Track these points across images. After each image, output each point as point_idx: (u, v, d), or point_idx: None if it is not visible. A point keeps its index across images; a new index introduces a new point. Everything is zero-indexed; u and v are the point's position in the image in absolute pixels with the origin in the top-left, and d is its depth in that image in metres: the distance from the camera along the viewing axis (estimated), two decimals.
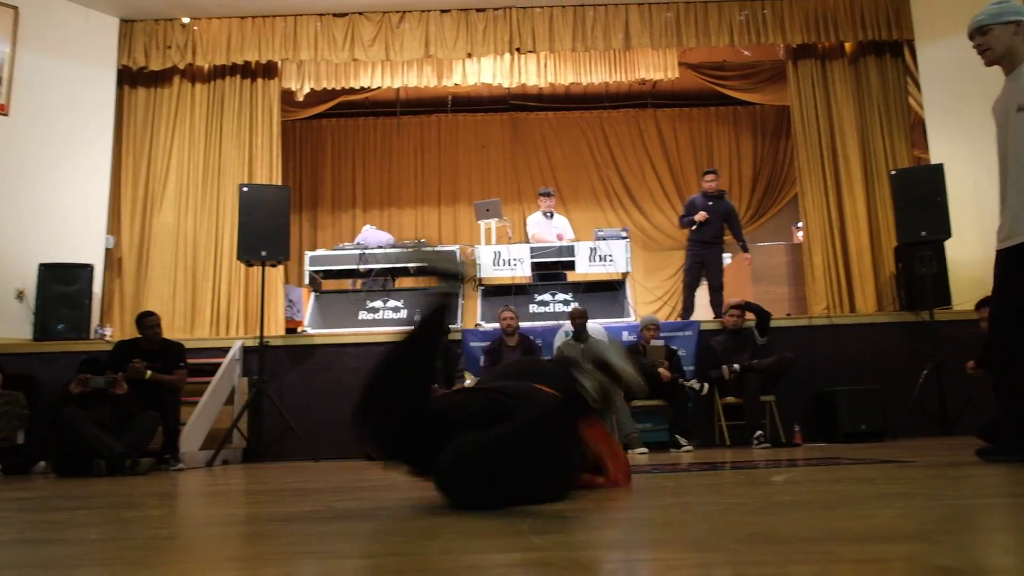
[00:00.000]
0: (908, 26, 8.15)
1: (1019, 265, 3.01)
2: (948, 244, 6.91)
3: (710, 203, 7.48)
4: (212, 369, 6.45)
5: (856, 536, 1.32)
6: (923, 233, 6.52)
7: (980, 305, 5.16)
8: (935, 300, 6.71)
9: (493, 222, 8.03)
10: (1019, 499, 1.85)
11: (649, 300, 10.53)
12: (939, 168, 6.69)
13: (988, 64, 3.16)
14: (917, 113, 8.47)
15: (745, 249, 7.83)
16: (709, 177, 7.65)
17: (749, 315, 6.58)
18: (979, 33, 3.11)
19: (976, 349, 5.35)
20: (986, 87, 7.23)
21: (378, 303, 7.45)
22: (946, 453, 4.02)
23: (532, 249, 7.55)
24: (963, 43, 6.85)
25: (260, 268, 6.71)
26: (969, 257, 7.32)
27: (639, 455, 5.47)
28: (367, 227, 8.98)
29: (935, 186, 6.55)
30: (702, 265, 7.52)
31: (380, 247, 7.82)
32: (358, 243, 8.06)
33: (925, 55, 8.00)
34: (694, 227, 7.47)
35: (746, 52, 9.52)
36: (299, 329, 7.62)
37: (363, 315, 7.39)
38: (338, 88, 9.32)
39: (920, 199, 6.55)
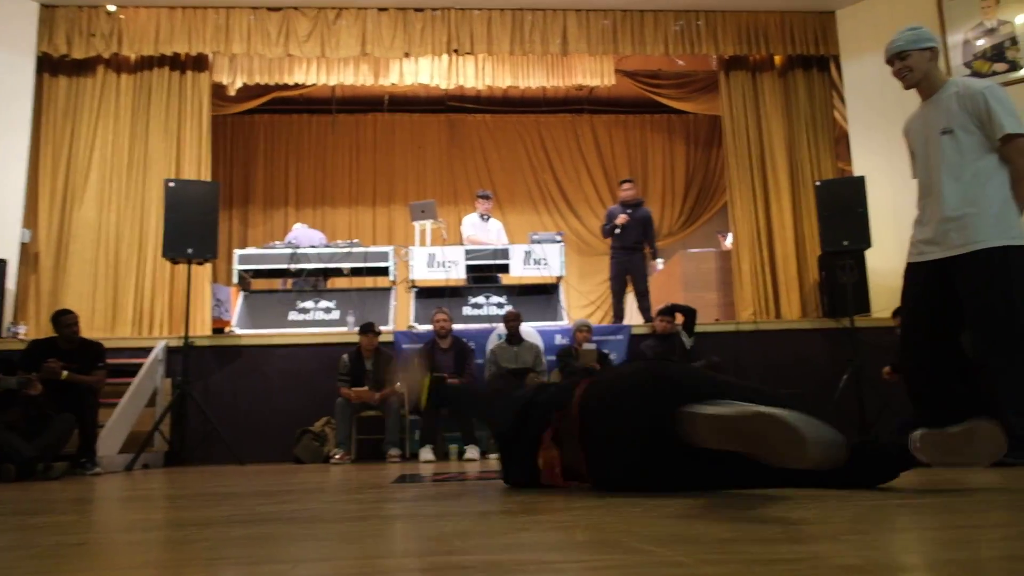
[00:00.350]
0: (834, 42, 8.44)
1: (941, 277, 3.15)
2: (868, 254, 7.17)
3: (628, 211, 7.68)
4: (134, 370, 6.25)
5: (768, 537, 1.35)
6: (845, 243, 6.74)
7: (897, 312, 5.39)
8: (855, 307, 6.96)
9: (428, 223, 7.99)
10: (925, 499, 1.92)
11: (583, 304, 10.64)
12: (861, 180, 6.93)
13: (908, 87, 3.33)
14: (842, 127, 8.78)
15: (655, 256, 8.03)
16: (626, 186, 7.89)
17: (679, 316, 6.71)
18: (899, 58, 3.27)
19: (892, 356, 5.57)
20: (905, 105, 7.52)
21: (309, 303, 7.33)
22: None
23: (467, 251, 7.54)
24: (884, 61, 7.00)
25: (186, 266, 6.53)
26: (887, 267, 7.61)
27: None
28: (298, 225, 8.84)
29: (857, 198, 6.79)
30: (627, 272, 7.71)
31: (312, 246, 7.70)
32: (289, 242, 7.93)
33: (850, 71, 8.29)
34: (617, 231, 7.64)
35: (680, 62, 9.71)
36: (227, 329, 7.44)
37: (293, 315, 7.26)
38: (271, 83, 9.13)
39: (843, 210, 6.78)
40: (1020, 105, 7.22)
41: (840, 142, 8.88)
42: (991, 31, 7.19)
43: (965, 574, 1.00)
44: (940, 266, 3.18)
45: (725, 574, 1.05)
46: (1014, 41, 7.07)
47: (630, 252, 7.72)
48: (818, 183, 7.22)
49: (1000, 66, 7.09)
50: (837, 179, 7.92)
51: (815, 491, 2.19)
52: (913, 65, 3.25)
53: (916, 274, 3.30)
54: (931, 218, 3.25)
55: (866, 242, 6.76)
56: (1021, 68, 6.97)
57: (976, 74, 7.20)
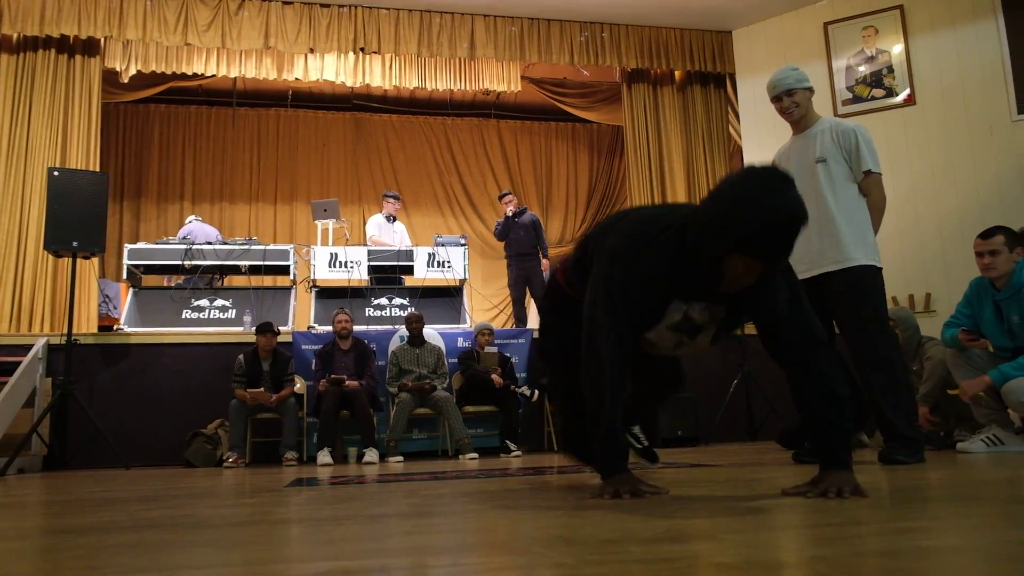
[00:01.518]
0: (731, 61, 8.80)
1: (818, 295, 3.42)
2: None
3: (516, 220, 7.94)
4: (10, 368, 5.87)
5: (651, 537, 1.41)
6: None
7: None
8: None
9: (331, 223, 7.87)
10: (801, 499, 2.03)
11: (486, 307, 10.69)
12: None
13: (792, 121, 3.66)
14: (736, 142, 9.15)
15: (546, 256, 8.23)
16: (506, 199, 8.23)
17: None
18: (787, 95, 3.58)
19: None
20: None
21: (204, 302, 7.08)
22: (749, 457, 4.36)
23: (370, 252, 7.46)
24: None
25: (70, 259, 6.20)
26: None
27: (469, 460, 5.53)
28: (192, 218, 8.55)
29: None
30: (526, 279, 7.89)
31: (208, 242, 7.45)
32: (183, 237, 7.65)
33: (744, 89, 8.66)
34: (509, 232, 7.94)
35: (585, 72, 9.92)
36: (115, 327, 7.10)
37: (187, 314, 7.00)
38: (168, 72, 8.77)
39: None
40: (900, 126, 7.72)
41: (734, 156, 9.27)
42: (871, 59, 7.67)
43: (831, 570, 1.08)
44: (815, 283, 3.45)
45: (606, 574, 1.09)
46: (891, 69, 7.56)
47: (526, 258, 7.96)
48: None
49: (878, 91, 7.56)
50: None
51: (703, 490, 2.28)
52: (799, 101, 3.56)
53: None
54: (807, 239, 3.46)
55: None
56: (897, 95, 7.46)
57: (857, 98, 7.65)
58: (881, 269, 3.46)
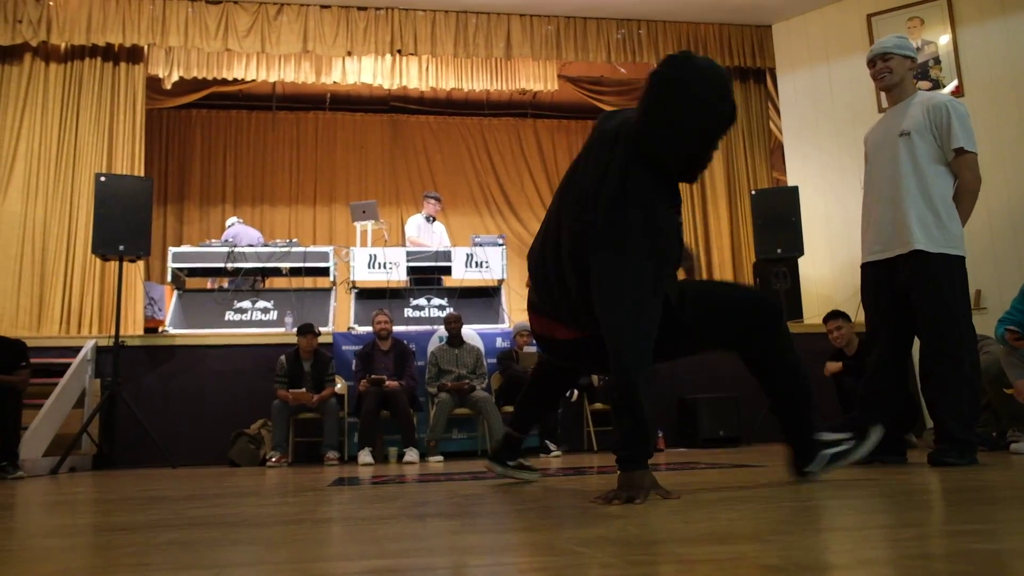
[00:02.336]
0: (771, 55, 8.68)
1: (888, 279, 3.28)
2: (801, 261, 7.38)
3: None
4: (61, 370, 6.03)
5: (695, 537, 1.39)
6: (779, 250, 6.93)
7: (828, 318, 5.56)
8: (788, 314, 7.15)
9: (369, 224, 7.93)
10: (847, 500, 1.99)
11: (524, 307, 10.65)
12: (795, 190, 7.14)
13: (882, 88, 3.45)
14: (777, 137, 9.03)
15: None
16: None
17: None
18: (882, 59, 3.38)
19: (823, 361, 5.75)
20: (835, 119, 7.83)
21: (246, 303, 7.19)
22: None
23: (408, 253, 7.50)
24: (818, 75, 7.42)
25: (117, 263, 6.34)
26: (818, 274, 7.86)
27: None
28: (234, 219, 8.66)
29: (791, 207, 6.98)
30: None
31: (250, 245, 7.56)
32: (226, 239, 7.77)
33: (785, 84, 8.53)
34: None
35: (622, 69, 9.86)
36: (160, 329, 7.24)
37: (230, 315, 7.11)
38: (210, 78, 8.94)
39: (777, 218, 6.97)
40: None
41: (775, 152, 9.14)
42: (917, 50, 7.49)
43: (885, 572, 1.05)
44: (889, 264, 3.30)
45: (652, 574, 1.08)
46: (937, 60, 7.38)
47: None
48: (754, 192, 7.40)
49: (924, 84, 7.39)
50: (772, 188, 8.14)
51: (746, 491, 2.25)
52: (893, 68, 3.36)
53: (870, 273, 3.41)
54: (880, 217, 3.35)
55: (799, 250, 6.96)
56: (944, 87, 7.28)
57: None
58: (963, 259, 3.23)
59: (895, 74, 3.37)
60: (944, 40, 7.35)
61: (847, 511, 1.78)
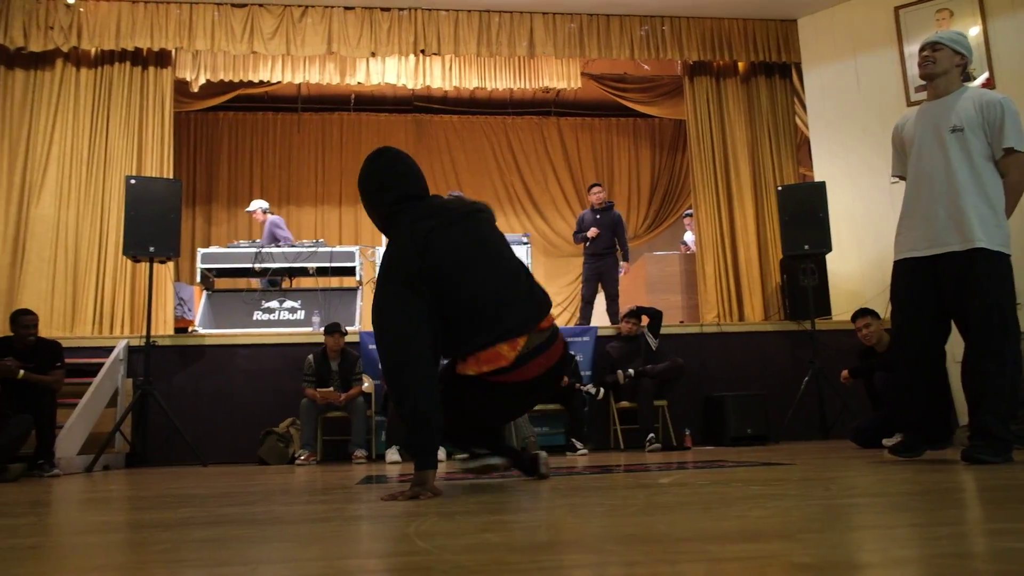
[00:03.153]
0: (796, 50, 8.58)
1: (932, 276, 3.25)
2: (829, 258, 7.30)
3: (598, 216, 7.77)
4: (94, 369, 6.13)
5: (727, 535, 1.38)
6: (806, 247, 6.86)
7: (857, 316, 5.50)
8: (816, 310, 7.08)
9: None
10: (879, 498, 1.97)
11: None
12: (822, 186, 7.06)
13: (924, 76, 3.42)
14: (803, 132, 8.93)
15: (626, 258, 8.08)
16: (596, 190, 7.96)
17: (645, 318, 6.77)
18: (931, 47, 3.36)
19: (851, 358, 5.69)
20: (864, 114, 7.73)
21: (274, 303, 7.26)
22: (821, 455, 4.25)
23: None
24: (844, 69, 7.35)
25: (148, 264, 6.43)
26: (848, 270, 7.76)
27: None
28: (261, 204, 8.68)
29: (818, 202, 6.91)
30: (599, 277, 7.77)
31: (277, 243, 7.64)
32: (272, 229, 7.80)
33: (811, 78, 8.44)
34: (587, 244, 7.74)
35: (646, 66, 9.81)
36: (190, 329, 7.34)
37: (258, 315, 7.19)
38: (236, 80, 9.02)
39: (804, 214, 6.89)
40: None
41: (801, 148, 9.04)
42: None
43: (919, 571, 1.04)
44: (931, 262, 3.27)
45: (682, 573, 1.07)
46: None
47: (602, 257, 7.80)
48: (780, 188, 7.33)
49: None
50: (799, 184, 8.06)
51: (776, 489, 2.24)
52: (939, 58, 3.33)
53: (908, 268, 3.37)
54: (929, 212, 3.30)
55: (827, 246, 6.88)
56: (974, 79, 7.16)
57: None
58: (1009, 257, 3.20)
59: (939, 64, 3.34)
60: (974, 32, 7.22)
61: (878, 509, 1.76)
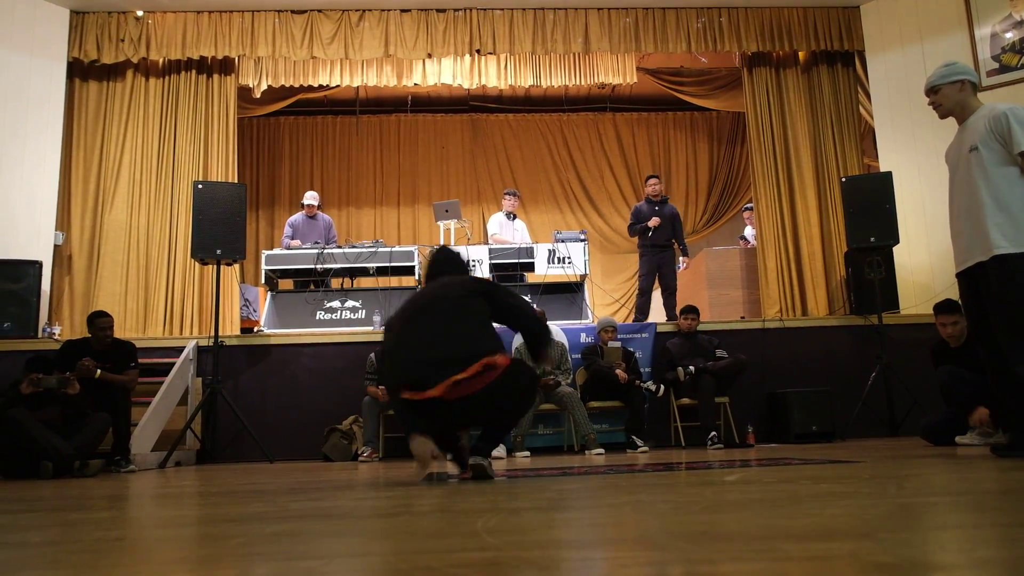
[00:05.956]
0: (859, 38, 8.35)
1: (974, 288, 3.42)
2: (896, 250, 7.09)
3: (656, 208, 7.64)
4: (165, 369, 6.34)
5: (800, 534, 1.36)
6: (872, 239, 6.68)
7: (943, 311, 5.11)
8: (883, 304, 6.88)
9: (452, 223, 8.03)
10: (958, 497, 1.91)
11: (607, 302, 10.62)
12: (888, 176, 6.86)
13: (941, 117, 3.63)
14: (867, 122, 8.69)
15: (685, 253, 7.95)
16: (652, 182, 7.83)
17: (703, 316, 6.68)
18: (931, 92, 3.56)
19: (921, 354, 5.47)
20: None
21: (336, 303, 7.39)
22: (891, 453, 4.13)
23: (491, 250, 7.57)
24: (911, 56, 7.13)
25: (215, 267, 6.62)
26: (916, 262, 7.53)
27: (595, 456, 5.52)
28: (329, 218, 8.73)
29: (884, 193, 6.71)
30: (658, 270, 7.63)
31: (335, 243, 7.78)
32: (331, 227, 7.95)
33: (875, 66, 8.21)
34: (650, 233, 7.56)
35: (703, 59, 9.68)
36: (255, 329, 7.52)
37: (321, 315, 7.33)
38: (296, 86, 9.23)
39: (870, 206, 6.71)
40: None
41: (866, 137, 8.80)
42: (1020, 23, 7.08)
43: (1005, 573, 1.00)
44: (971, 275, 3.43)
45: (756, 572, 1.06)
46: None
47: (661, 250, 7.64)
48: (844, 179, 7.15)
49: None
50: (864, 175, 7.85)
51: (847, 487, 2.19)
52: (942, 99, 3.52)
53: (961, 283, 3.56)
54: (957, 230, 3.50)
55: (894, 238, 6.68)
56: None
57: (1005, 67, 7.10)
58: None
59: (946, 104, 3.53)
60: None
61: (956, 508, 1.71)
